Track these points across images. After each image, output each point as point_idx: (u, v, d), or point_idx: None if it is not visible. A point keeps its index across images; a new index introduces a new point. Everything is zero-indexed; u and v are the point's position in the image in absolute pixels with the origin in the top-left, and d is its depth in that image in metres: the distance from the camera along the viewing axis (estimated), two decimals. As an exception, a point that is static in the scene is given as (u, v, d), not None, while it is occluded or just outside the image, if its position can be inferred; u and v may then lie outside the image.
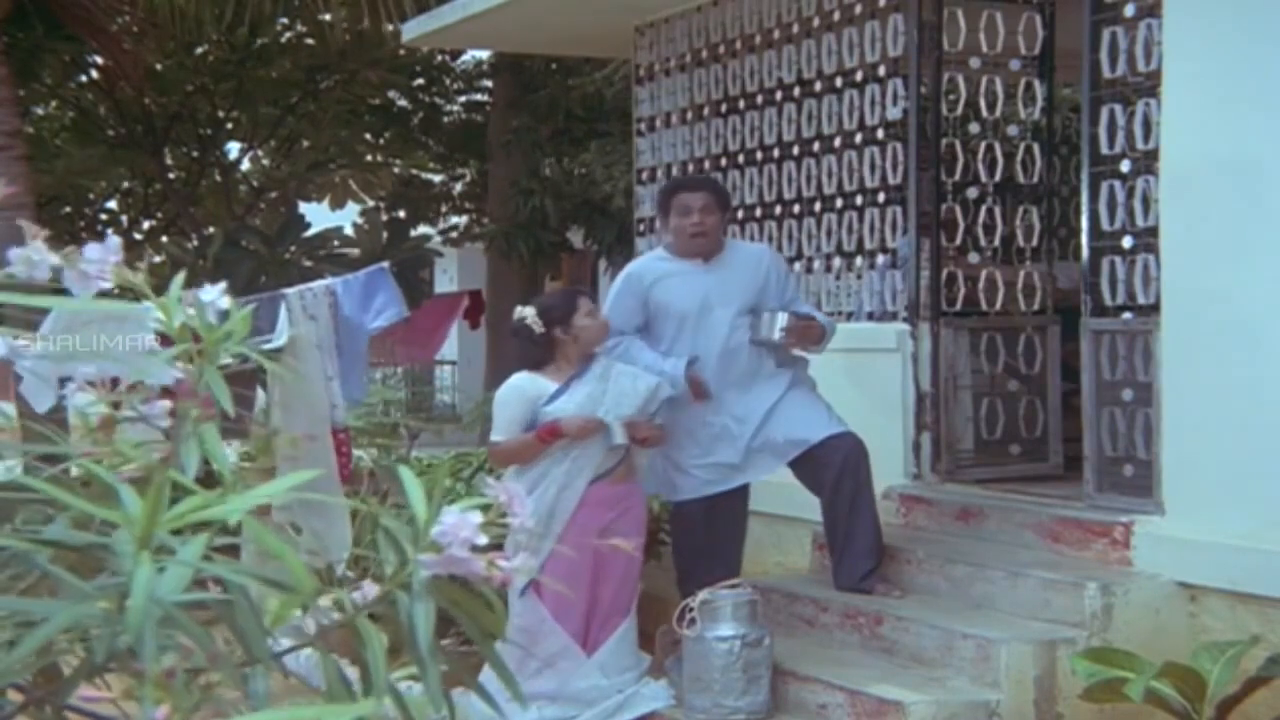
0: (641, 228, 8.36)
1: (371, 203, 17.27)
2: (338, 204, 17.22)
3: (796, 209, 7.29)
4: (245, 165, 17.25)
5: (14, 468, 1.55)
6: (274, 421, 5.76)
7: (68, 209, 16.38)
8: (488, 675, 1.54)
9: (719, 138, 7.79)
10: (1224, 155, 5.14)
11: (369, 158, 17.32)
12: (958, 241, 6.68)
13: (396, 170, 17.98)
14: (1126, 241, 5.52)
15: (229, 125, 15.90)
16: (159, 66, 13.88)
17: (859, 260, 6.96)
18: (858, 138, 6.90)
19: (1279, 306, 4.95)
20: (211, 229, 14.98)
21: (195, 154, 15.93)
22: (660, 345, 5.70)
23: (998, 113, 6.73)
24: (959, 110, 6.64)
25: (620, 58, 10.34)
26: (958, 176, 6.68)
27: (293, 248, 13.47)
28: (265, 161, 17.36)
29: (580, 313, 5.44)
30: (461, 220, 18.26)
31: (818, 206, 7.16)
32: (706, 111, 7.90)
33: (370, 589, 1.27)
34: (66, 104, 15.61)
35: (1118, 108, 5.56)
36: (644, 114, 8.33)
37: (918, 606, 5.54)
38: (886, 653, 5.42)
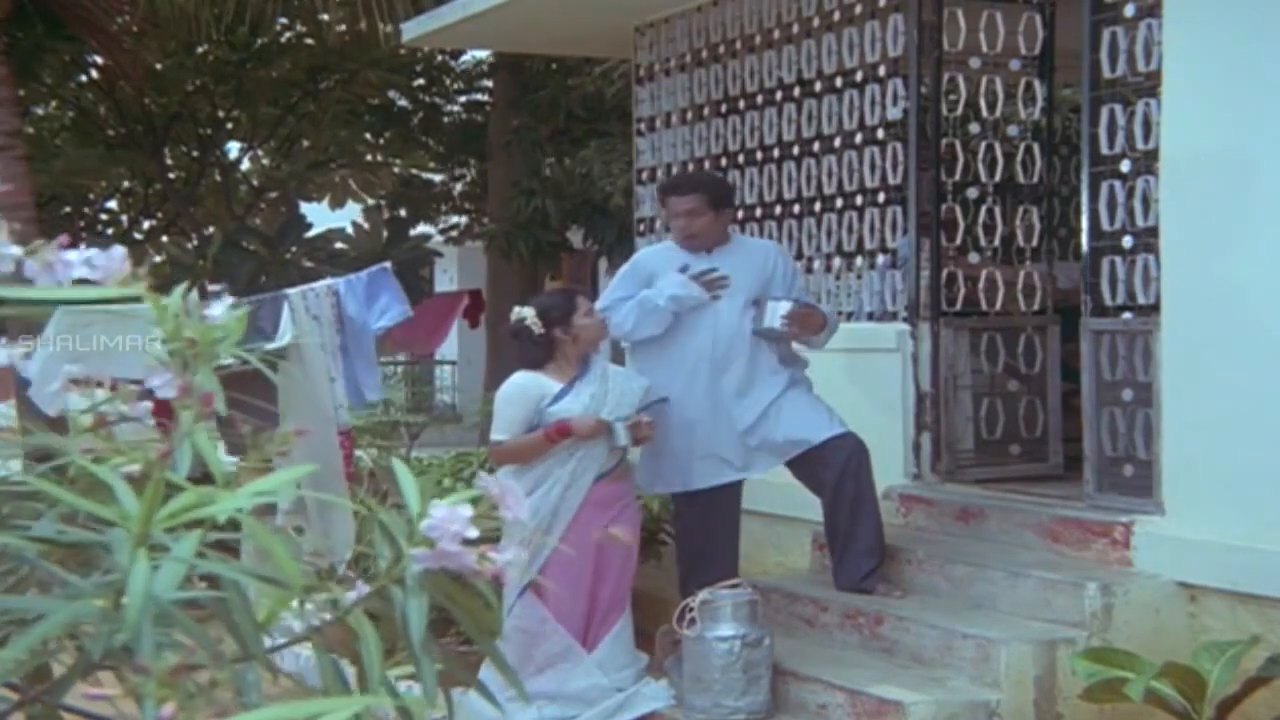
0: (641, 228, 8.36)
1: (372, 202, 17.27)
2: (338, 204, 17.23)
3: (796, 209, 7.29)
4: (245, 165, 17.27)
5: (11, 465, 1.55)
6: (284, 424, 5.76)
7: (68, 209, 16.39)
8: (487, 674, 1.54)
9: (719, 138, 7.79)
10: (1224, 155, 5.14)
11: (369, 158, 17.34)
12: (958, 241, 6.68)
13: (396, 170, 18.00)
14: (1126, 241, 5.52)
15: (229, 125, 15.91)
16: (159, 66, 13.89)
17: (859, 260, 6.96)
18: (858, 138, 6.89)
19: (1278, 306, 4.95)
20: (211, 229, 15.00)
21: (195, 154, 15.94)
22: (661, 333, 5.73)
23: (998, 113, 6.72)
24: (959, 110, 6.64)
25: (620, 57, 10.34)
26: (958, 176, 6.67)
27: (293, 248, 13.48)
28: (265, 161, 17.37)
29: (580, 312, 5.45)
30: (461, 220, 18.27)
31: (818, 206, 7.16)
32: (706, 111, 7.90)
33: (364, 586, 1.27)
34: (66, 104, 15.62)
35: (1118, 108, 5.56)
36: (644, 114, 8.33)
37: (918, 606, 5.54)
38: (886, 653, 5.41)
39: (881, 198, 6.78)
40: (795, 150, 7.28)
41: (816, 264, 7.16)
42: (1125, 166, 5.53)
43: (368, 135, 16.93)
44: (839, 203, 7.03)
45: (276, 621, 1.23)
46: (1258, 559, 4.90)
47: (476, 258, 17.78)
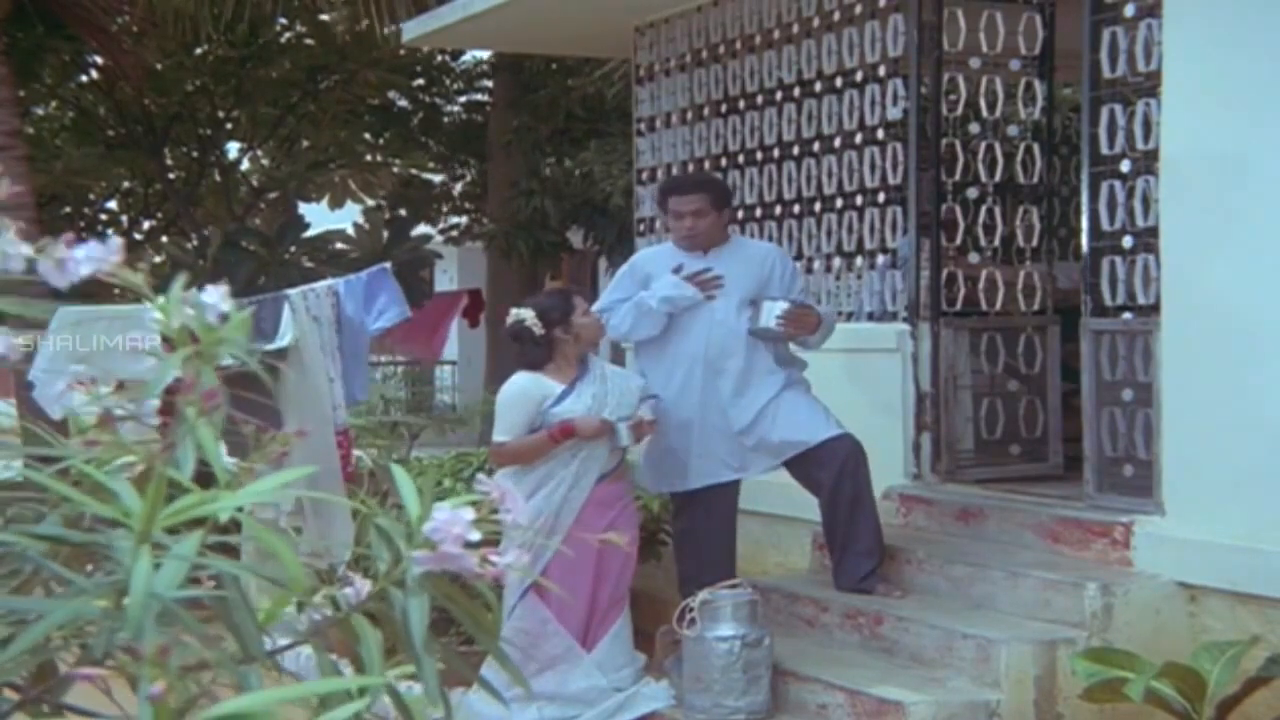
0: (641, 228, 8.36)
1: (371, 203, 17.27)
2: (337, 204, 17.24)
3: (796, 209, 7.29)
4: (245, 165, 17.26)
5: (11, 465, 1.55)
6: (288, 423, 5.76)
7: (68, 209, 16.39)
8: (488, 672, 1.54)
9: (719, 138, 7.79)
10: (1224, 155, 5.14)
11: (369, 158, 17.34)
12: (958, 241, 6.68)
13: (396, 170, 17.99)
14: (1126, 241, 5.52)
15: (229, 125, 15.91)
16: (159, 66, 13.89)
17: (859, 260, 6.96)
18: (858, 138, 6.89)
19: (1279, 306, 4.95)
20: (211, 229, 14.99)
21: (195, 154, 15.94)
22: (660, 334, 5.73)
23: (998, 113, 6.72)
24: (959, 110, 6.64)
25: (620, 58, 10.34)
26: (958, 176, 6.67)
27: (293, 248, 13.48)
28: (265, 161, 17.37)
29: (578, 311, 5.46)
30: (462, 220, 18.27)
31: (818, 206, 7.16)
32: (706, 111, 7.90)
33: (363, 585, 1.27)
34: (66, 104, 15.62)
35: (1118, 108, 5.56)
36: (644, 114, 8.33)
37: (918, 606, 5.54)
38: (886, 653, 5.41)
39: (881, 198, 6.78)
40: (795, 150, 7.28)
41: (816, 264, 7.16)
42: (1125, 166, 5.54)
43: (367, 135, 16.93)
44: (839, 203, 7.03)
45: (277, 621, 1.23)
46: (1258, 559, 4.90)
47: (476, 258, 17.78)
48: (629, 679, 5.46)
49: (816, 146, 7.14)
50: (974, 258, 6.79)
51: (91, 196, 17.10)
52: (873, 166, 6.81)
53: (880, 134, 6.78)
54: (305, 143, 16.35)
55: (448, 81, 16.97)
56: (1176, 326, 5.24)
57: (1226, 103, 5.13)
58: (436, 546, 1.23)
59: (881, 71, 6.73)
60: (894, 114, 6.69)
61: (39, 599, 1.19)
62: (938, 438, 6.56)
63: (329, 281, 6.49)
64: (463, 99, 17.31)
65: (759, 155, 7.53)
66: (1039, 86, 6.72)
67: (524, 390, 5.42)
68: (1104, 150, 5.60)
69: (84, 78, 14.92)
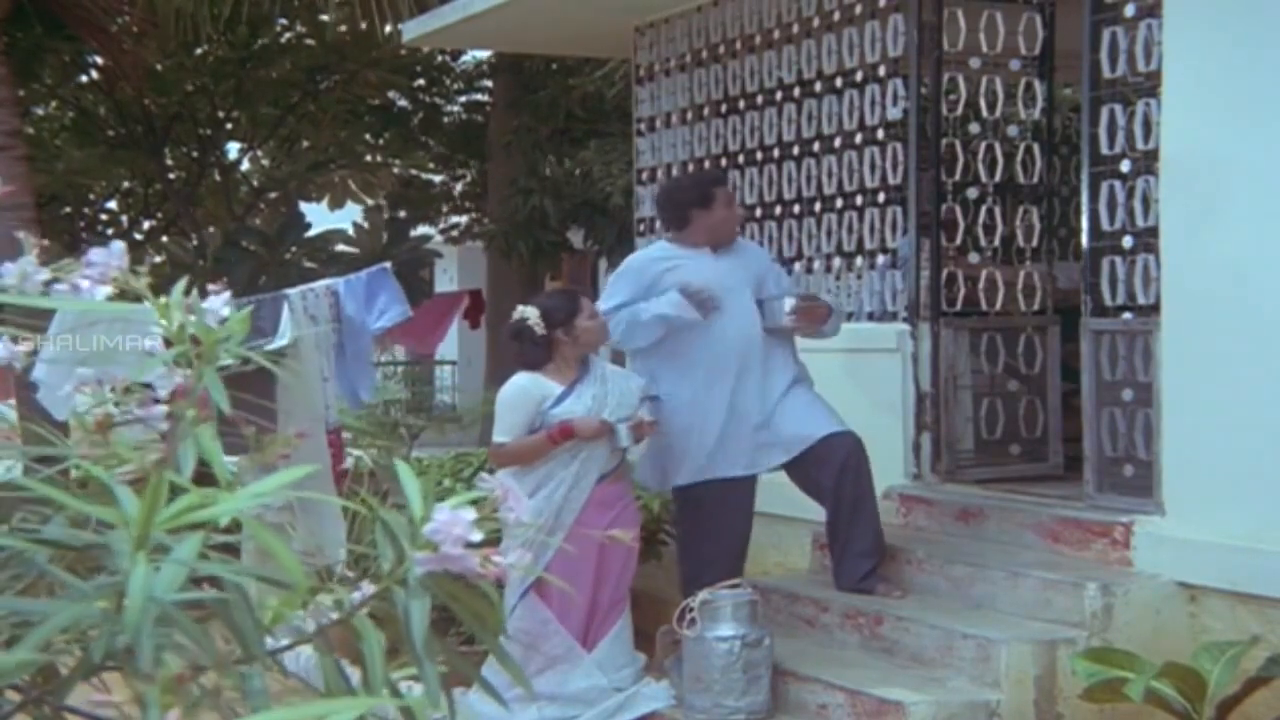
0: (641, 228, 8.36)
1: (371, 203, 17.27)
2: (337, 204, 17.23)
3: (796, 209, 7.29)
4: (245, 165, 17.26)
5: (13, 468, 1.55)
6: (280, 424, 5.76)
7: (68, 209, 16.38)
8: (489, 671, 1.54)
9: (719, 138, 7.79)
10: (1224, 155, 5.14)
11: (369, 158, 17.33)
12: (958, 241, 6.68)
13: (396, 170, 17.99)
14: (1126, 241, 5.52)
15: (229, 125, 15.90)
16: (159, 67, 13.89)
17: (859, 260, 6.96)
18: (858, 138, 6.89)
19: (1278, 306, 4.95)
20: (211, 229, 15.00)
21: (195, 154, 15.94)
22: (648, 343, 5.74)
23: (998, 113, 6.72)
24: (959, 110, 6.64)
25: (620, 58, 10.34)
26: (958, 176, 6.67)
27: (293, 248, 13.47)
28: (265, 162, 17.37)
29: (583, 315, 5.45)
30: (462, 220, 18.27)
31: (818, 206, 7.16)
32: (706, 111, 7.90)
33: (367, 587, 1.27)
34: (66, 104, 15.62)
35: (1118, 108, 5.56)
36: (644, 114, 8.33)
37: (918, 606, 5.54)
38: (887, 653, 5.41)
39: (881, 198, 6.78)
40: (795, 150, 7.28)
41: (816, 264, 7.16)
42: (1125, 166, 5.54)
43: (368, 136, 16.92)
44: (839, 203, 7.03)
45: (283, 623, 1.23)
46: (1258, 559, 4.90)
47: (476, 258, 17.79)
48: (629, 679, 5.47)
49: (816, 146, 7.14)
50: (974, 258, 6.79)
51: (91, 197, 17.09)
52: (873, 166, 6.81)
53: (880, 134, 6.78)
54: (305, 143, 16.35)
55: (448, 81, 16.96)
56: (1176, 326, 5.24)
57: (1226, 103, 5.13)
58: (438, 547, 1.23)
59: (881, 71, 6.73)
60: (894, 114, 6.69)
61: (41, 601, 1.19)
62: (938, 438, 6.56)
63: (328, 281, 6.49)
64: (463, 99, 17.31)
65: (759, 155, 7.53)
66: (1039, 86, 6.72)
67: (524, 391, 5.41)
68: (1104, 150, 5.60)
69: (84, 78, 14.91)
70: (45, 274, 1.27)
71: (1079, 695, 4.62)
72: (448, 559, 1.23)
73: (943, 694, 4.95)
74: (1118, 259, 5.56)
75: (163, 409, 1.31)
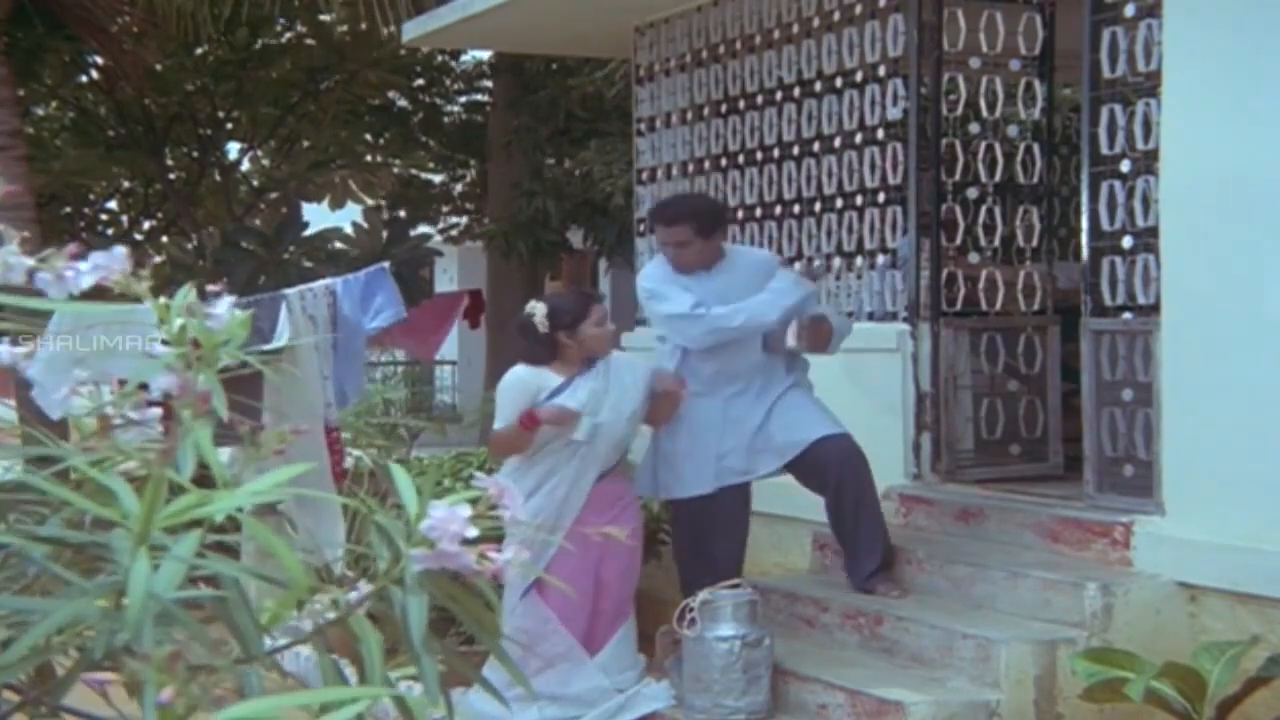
0: (641, 228, 8.36)
1: (371, 203, 17.26)
2: (338, 204, 17.21)
3: (796, 209, 7.29)
4: (245, 165, 17.25)
5: (12, 468, 1.55)
6: (267, 422, 5.76)
7: (68, 209, 16.37)
8: (489, 671, 1.54)
9: (719, 138, 7.79)
10: (1224, 155, 5.14)
11: (369, 158, 17.31)
12: (958, 241, 6.68)
13: (396, 170, 17.98)
14: (1126, 241, 5.52)
15: (229, 125, 15.89)
16: (159, 67, 13.88)
17: (859, 260, 6.96)
18: (858, 138, 6.89)
19: (1278, 307, 4.95)
20: (211, 229, 14.98)
21: (195, 154, 15.92)
22: (669, 344, 5.77)
23: (998, 113, 6.72)
24: (959, 110, 6.64)
25: (620, 58, 10.34)
26: (958, 176, 6.67)
27: (292, 248, 13.46)
28: (265, 162, 17.36)
29: (590, 320, 5.42)
30: (462, 220, 18.26)
31: (818, 206, 7.16)
32: (706, 111, 7.89)
33: (365, 586, 1.27)
34: (66, 104, 15.61)
35: (1118, 108, 5.56)
36: (644, 114, 8.33)
37: (918, 606, 5.54)
38: (887, 653, 5.41)
39: (881, 198, 6.78)
40: (795, 150, 7.28)
41: (816, 264, 7.15)
42: (1125, 166, 5.53)
43: (368, 136, 16.91)
44: (839, 203, 7.02)
45: (282, 622, 1.23)
46: (1258, 559, 4.90)
47: (476, 258, 17.78)
48: (632, 681, 5.47)
49: (816, 146, 7.14)
50: (974, 258, 6.79)
51: (91, 197, 17.08)
52: (873, 166, 6.81)
53: (880, 134, 6.77)
54: (305, 143, 16.33)
55: (448, 82, 16.95)
56: (1176, 326, 5.24)
57: (1226, 103, 5.13)
58: (434, 545, 1.23)
59: (881, 71, 6.73)
60: (894, 114, 6.69)
61: (39, 600, 1.19)
62: (938, 438, 6.56)
63: (326, 281, 6.49)
64: (463, 99, 17.29)
65: (759, 155, 7.53)
66: (1039, 86, 6.72)
67: (521, 381, 5.44)
68: (1104, 150, 5.59)
69: (84, 78, 14.90)
70: (29, 262, 1.27)
71: (1079, 695, 4.62)
72: (444, 556, 1.23)
73: (943, 694, 4.95)
74: (1118, 259, 5.56)
75: (157, 412, 1.31)
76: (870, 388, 6.62)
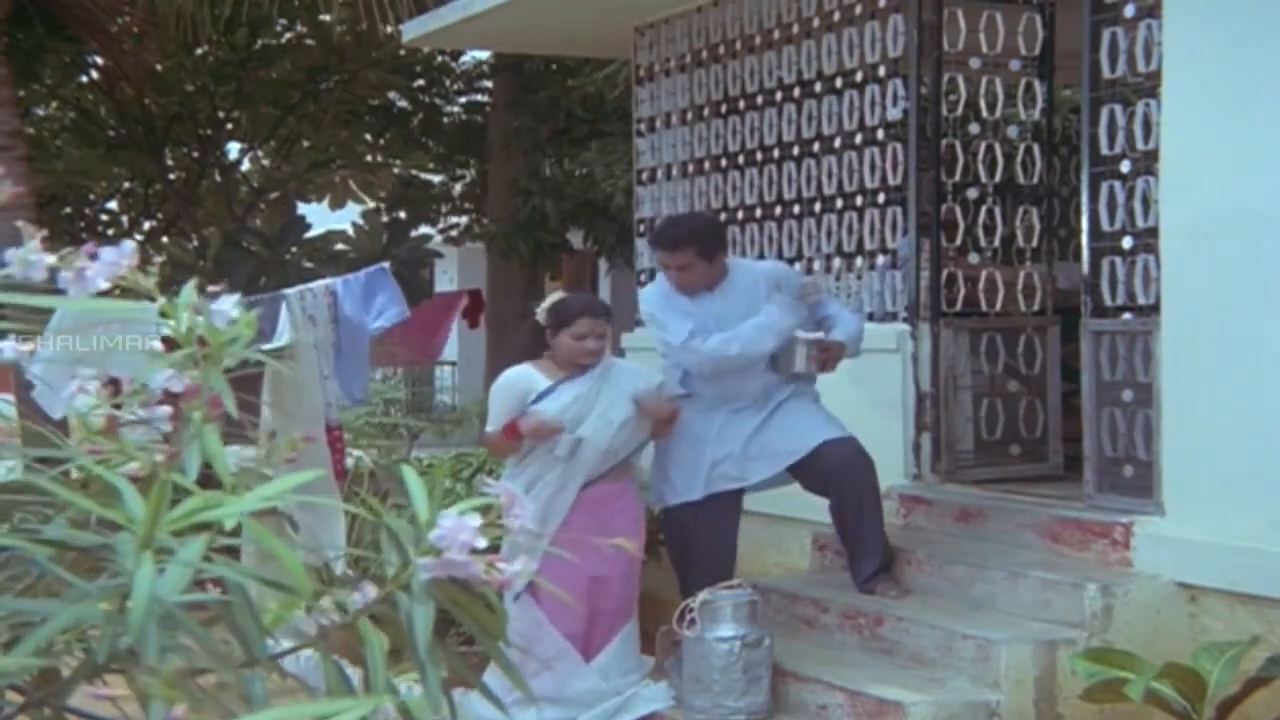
0: (641, 228, 8.36)
1: (371, 203, 17.26)
2: (338, 204, 17.22)
3: (796, 209, 7.29)
4: (245, 166, 17.25)
5: (14, 468, 1.55)
6: (271, 422, 5.76)
7: (68, 209, 16.38)
8: (490, 675, 1.54)
9: (719, 138, 7.79)
10: (1224, 156, 5.14)
11: (369, 158, 17.32)
12: (958, 242, 6.68)
13: (396, 171, 17.98)
14: (1126, 242, 5.52)
15: (229, 126, 15.90)
16: (159, 67, 13.89)
17: (859, 261, 6.96)
18: (858, 138, 6.89)
19: (1279, 307, 4.96)
20: (212, 229, 14.97)
21: (195, 155, 15.93)
22: (667, 364, 5.79)
23: (998, 113, 6.72)
24: (959, 111, 6.64)
25: (620, 58, 10.34)
26: (958, 177, 6.68)
27: (293, 248, 13.46)
28: (265, 162, 17.36)
29: (570, 329, 5.39)
30: (461, 220, 18.26)
31: (818, 207, 7.16)
32: (706, 112, 7.90)
33: (370, 589, 1.27)
34: (67, 104, 15.62)
35: (1118, 108, 5.56)
36: (644, 114, 8.33)
37: (918, 607, 5.54)
38: (887, 653, 5.41)
39: (881, 198, 6.78)
40: (795, 150, 7.28)
41: (816, 264, 7.16)
42: (1125, 167, 5.54)
43: (368, 136, 16.92)
44: (839, 203, 7.03)
45: (284, 624, 1.23)
46: (1258, 559, 4.90)
47: (476, 258, 17.79)
48: (634, 684, 5.46)
49: (816, 147, 7.14)
50: (974, 258, 6.80)
51: (92, 197, 17.08)
52: (873, 167, 6.81)
53: (880, 134, 6.78)
54: (305, 143, 16.35)
55: (448, 82, 16.96)
56: (1176, 326, 5.25)
57: (1226, 103, 5.13)
58: (442, 553, 1.23)
59: (881, 72, 6.73)
60: (894, 114, 6.69)
61: (43, 602, 1.19)
62: (938, 438, 6.56)
63: (326, 281, 6.49)
64: (463, 100, 17.30)
65: (759, 155, 7.53)
66: (1039, 87, 6.72)
67: (509, 382, 5.49)
68: (1104, 150, 5.60)
69: (84, 78, 14.91)
70: (49, 260, 1.27)
71: (1079, 695, 4.62)
72: (453, 565, 1.23)
73: (943, 694, 4.95)
74: (1118, 259, 5.56)
75: (166, 410, 1.31)
76: (870, 388, 6.62)
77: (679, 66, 8.02)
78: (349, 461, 7.27)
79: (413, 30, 9.08)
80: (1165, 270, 5.30)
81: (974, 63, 6.67)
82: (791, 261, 7.21)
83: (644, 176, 8.36)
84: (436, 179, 18.41)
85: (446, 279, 20.73)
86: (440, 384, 19.88)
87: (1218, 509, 5.10)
